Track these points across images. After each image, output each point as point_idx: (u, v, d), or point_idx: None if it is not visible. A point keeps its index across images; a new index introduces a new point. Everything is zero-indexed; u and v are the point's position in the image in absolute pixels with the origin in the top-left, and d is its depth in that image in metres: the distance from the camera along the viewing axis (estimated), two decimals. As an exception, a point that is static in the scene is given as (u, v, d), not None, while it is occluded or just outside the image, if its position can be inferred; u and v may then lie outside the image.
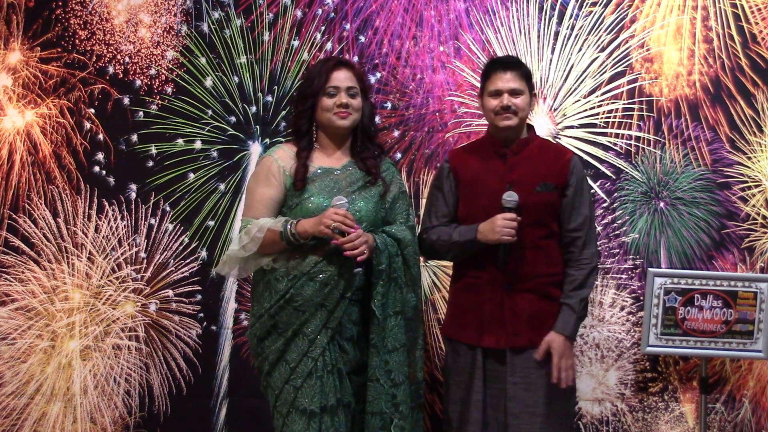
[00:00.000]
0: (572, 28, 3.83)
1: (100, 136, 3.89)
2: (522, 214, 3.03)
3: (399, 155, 3.86)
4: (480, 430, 3.09)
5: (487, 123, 3.23)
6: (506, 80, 3.09)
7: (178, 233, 3.87)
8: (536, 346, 3.07)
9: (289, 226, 2.88)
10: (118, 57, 3.89)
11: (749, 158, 3.79)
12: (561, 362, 3.05)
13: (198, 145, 3.89)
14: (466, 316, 3.15)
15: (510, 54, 3.80)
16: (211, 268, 3.85)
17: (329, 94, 3.00)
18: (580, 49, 3.83)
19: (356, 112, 3.03)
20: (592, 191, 3.79)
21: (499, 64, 3.16)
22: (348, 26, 3.87)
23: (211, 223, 3.87)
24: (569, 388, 3.15)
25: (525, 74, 3.14)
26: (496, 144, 3.17)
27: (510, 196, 3.01)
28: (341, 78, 3.02)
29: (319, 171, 3.01)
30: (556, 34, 3.83)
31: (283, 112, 3.85)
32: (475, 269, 3.13)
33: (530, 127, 3.23)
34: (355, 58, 3.85)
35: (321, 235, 2.87)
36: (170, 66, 3.88)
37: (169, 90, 3.88)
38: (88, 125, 3.89)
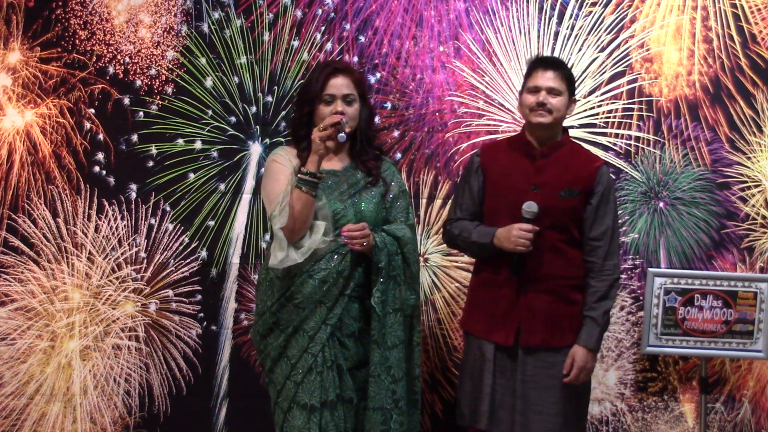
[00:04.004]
0: (572, 28, 3.83)
1: (100, 136, 3.88)
2: (543, 217, 3.03)
3: (399, 155, 3.86)
4: (487, 424, 3.10)
5: (521, 122, 3.27)
6: (546, 78, 3.10)
7: (178, 233, 3.87)
8: (549, 346, 3.09)
9: (297, 176, 2.88)
10: (118, 57, 3.89)
11: (749, 158, 3.79)
12: (580, 375, 3.07)
13: (198, 145, 3.88)
14: (479, 310, 3.18)
15: (508, 53, 3.81)
16: (211, 268, 3.85)
17: (325, 101, 2.99)
18: (580, 49, 3.84)
19: (353, 120, 3.01)
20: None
21: (542, 63, 3.17)
22: (348, 26, 3.87)
23: (211, 223, 3.86)
24: (584, 391, 3.17)
25: (567, 77, 3.15)
26: (528, 144, 3.17)
27: (529, 207, 3.01)
28: (338, 85, 3.00)
29: (322, 173, 3.01)
30: (556, 34, 3.84)
31: (283, 113, 3.85)
32: (494, 266, 3.14)
33: (565, 131, 3.23)
34: (355, 59, 3.85)
35: (319, 147, 2.86)
36: (170, 66, 3.88)
37: (170, 90, 3.88)
38: (88, 125, 3.89)
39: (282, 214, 2.87)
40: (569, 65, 3.80)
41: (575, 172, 3.12)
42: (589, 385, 3.22)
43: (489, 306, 3.14)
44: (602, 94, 3.83)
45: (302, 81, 3.29)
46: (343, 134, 2.88)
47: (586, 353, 3.07)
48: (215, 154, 3.88)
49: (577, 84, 3.82)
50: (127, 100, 3.88)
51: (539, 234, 3.02)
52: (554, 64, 3.17)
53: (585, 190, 3.11)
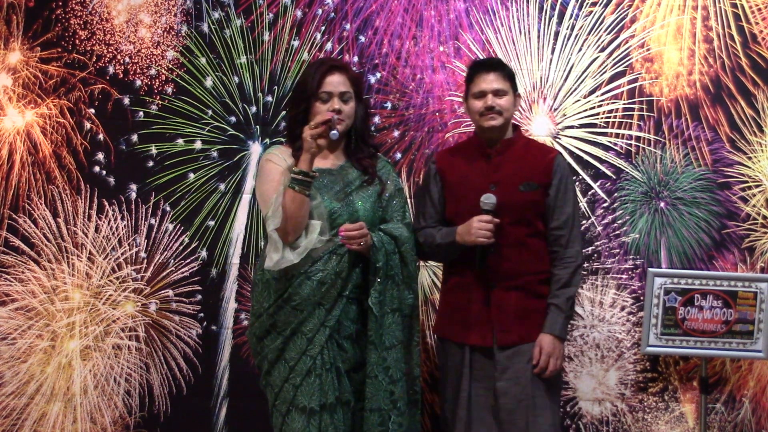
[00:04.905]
0: (572, 28, 3.83)
1: (100, 136, 3.89)
2: (505, 213, 3.07)
3: (399, 155, 3.86)
4: (464, 429, 3.12)
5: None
6: (490, 81, 3.13)
7: (178, 233, 3.87)
8: (526, 342, 3.10)
9: (290, 175, 2.87)
10: (118, 57, 3.89)
11: (749, 158, 3.79)
12: (549, 362, 3.08)
13: (198, 145, 3.88)
14: (454, 314, 3.19)
15: (508, 53, 3.81)
16: (211, 268, 3.85)
17: (322, 99, 2.99)
18: (580, 49, 3.83)
19: (348, 118, 3.01)
20: (593, 191, 3.80)
21: (482, 66, 3.20)
22: (348, 26, 3.87)
23: (211, 223, 3.87)
24: (555, 382, 3.18)
25: (508, 75, 3.18)
26: (481, 144, 3.20)
27: (487, 198, 3.04)
28: (334, 83, 2.99)
29: (316, 171, 3.00)
30: (556, 34, 3.83)
31: (283, 113, 3.85)
32: (462, 268, 3.16)
33: (516, 127, 3.27)
34: (355, 58, 3.85)
35: (311, 145, 2.85)
36: (170, 66, 3.88)
37: (169, 90, 3.88)
38: (88, 125, 3.89)
39: (276, 214, 2.85)
40: (570, 65, 3.82)
41: (531, 165, 3.15)
42: (560, 378, 3.25)
43: (463, 309, 3.15)
44: (602, 94, 3.83)
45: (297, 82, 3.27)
46: (335, 131, 2.88)
47: (552, 339, 3.09)
48: (215, 154, 3.88)
49: (577, 84, 3.84)
50: (127, 100, 3.89)
51: (504, 230, 3.05)
52: (494, 65, 3.20)
53: (543, 183, 3.14)
